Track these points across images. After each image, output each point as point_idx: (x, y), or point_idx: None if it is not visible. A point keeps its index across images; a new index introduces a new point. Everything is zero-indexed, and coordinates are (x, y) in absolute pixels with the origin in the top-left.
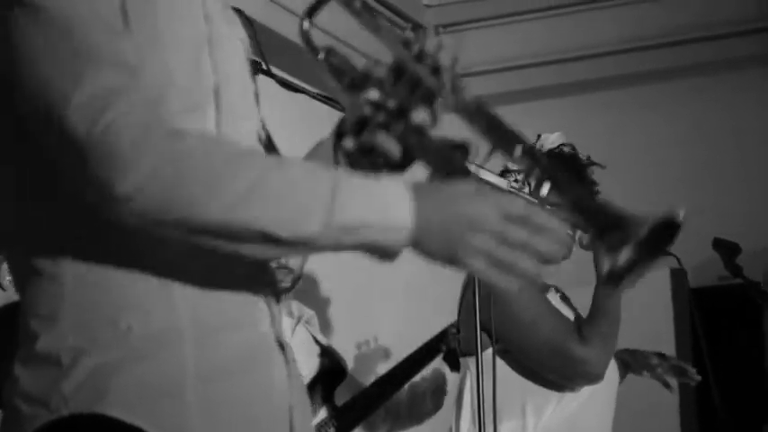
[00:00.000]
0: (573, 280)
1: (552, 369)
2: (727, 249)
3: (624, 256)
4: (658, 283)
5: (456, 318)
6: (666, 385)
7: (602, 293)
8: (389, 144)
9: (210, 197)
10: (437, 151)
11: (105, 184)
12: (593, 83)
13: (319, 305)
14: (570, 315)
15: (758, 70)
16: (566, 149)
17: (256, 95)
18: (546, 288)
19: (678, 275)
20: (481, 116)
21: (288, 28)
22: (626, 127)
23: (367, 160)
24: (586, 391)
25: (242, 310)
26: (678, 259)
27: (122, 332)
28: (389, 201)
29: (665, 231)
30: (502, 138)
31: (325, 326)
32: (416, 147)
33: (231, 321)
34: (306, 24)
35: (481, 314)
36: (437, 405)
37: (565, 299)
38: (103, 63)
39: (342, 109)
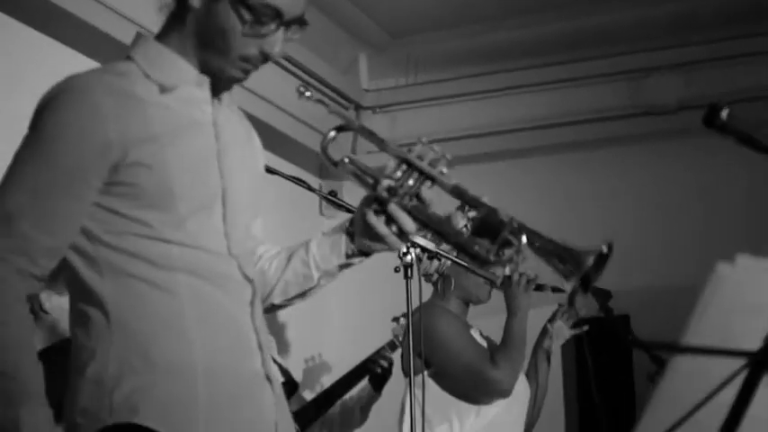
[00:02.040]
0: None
1: (472, 387)
2: (600, 295)
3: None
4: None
5: (387, 340)
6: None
7: (510, 324)
8: (401, 214)
9: None
10: (435, 220)
11: None
12: (499, 154)
13: (276, 330)
14: (485, 345)
15: (634, 146)
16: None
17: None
18: (469, 326)
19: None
20: (461, 196)
21: (262, 111)
22: (534, 189)
23: (379, 231)
24: (501, 402)
25: (240, 351)
26: (563, 290)
27: (151, 364)
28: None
29: (598, 263)
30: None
31: (282, 347)
32: (420, 217)
33: (233, 358)
34: (325, 141)
35: (417, 345)
36: (363, 418)
37: (482, 335)
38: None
39: (308, 188)
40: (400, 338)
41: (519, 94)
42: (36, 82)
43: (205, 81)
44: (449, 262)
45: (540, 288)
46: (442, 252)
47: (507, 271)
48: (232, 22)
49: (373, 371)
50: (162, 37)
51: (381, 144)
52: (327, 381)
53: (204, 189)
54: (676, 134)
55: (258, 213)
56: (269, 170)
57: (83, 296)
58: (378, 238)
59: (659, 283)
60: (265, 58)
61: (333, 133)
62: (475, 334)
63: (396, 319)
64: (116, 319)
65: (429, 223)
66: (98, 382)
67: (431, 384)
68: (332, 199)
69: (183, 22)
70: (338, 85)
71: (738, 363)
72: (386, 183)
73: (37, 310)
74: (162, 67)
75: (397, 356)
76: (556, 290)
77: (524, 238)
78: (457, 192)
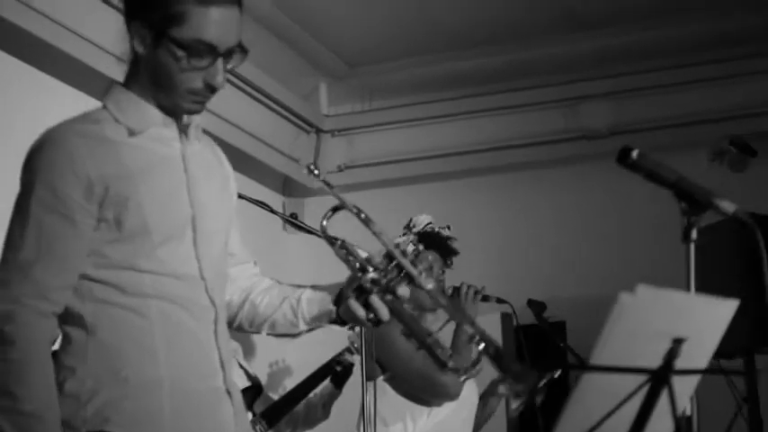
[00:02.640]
0: None
1: (422, 391)
2: (536, 306)
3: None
4: (492, 323)
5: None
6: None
7: (458, 333)
8: (380, 305)
9: None
10: (407, 317)
11: None
12: (454, 173)
13: (241, 336)
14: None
15: (572, 167)
16: (432, 228)
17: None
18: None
19: (506, 318)
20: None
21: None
22: (483, 205)
23: (362, 314)
24: (451, 404)
25: (203, 368)
26: (511, 305)
27: (122, 379)
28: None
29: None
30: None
31: (247, 352)
32: (395, 311)
33: (196, 375)
34: (324, 223)
35: (375, 351)
36: (326, 414)
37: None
38: (9, 260)
39: (271, 211)
40: (355, 344)
41: (466, 119)
42: (33, 116)
43: (171, 122)
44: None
45: (485, 299)
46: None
47: (457, 283)
48: (171, 61)
49: (334, 370)
50: (128, 83)
51: (369, 224)
52: (290, 383)
53: (174, 219)
54: (608, 157)
55: (230, 232)
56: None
57: (66, 319)
58: (356, 318)
59: (592, 293)
60: (211, 88)
61: (330, 213)
62: (429, 341)
63: (351, 327)
64: (93, 339)
65: (401, 318)
66: (75, 396)
67: (387, 387)
68: (293, 221)
69: (138, 68)
70: (300, 110)
71: (641, 379)
72: (370, 275)
73: None
74: (130, 112)
75: (356, 360)
76: (500, 301)
77: (482, 346)
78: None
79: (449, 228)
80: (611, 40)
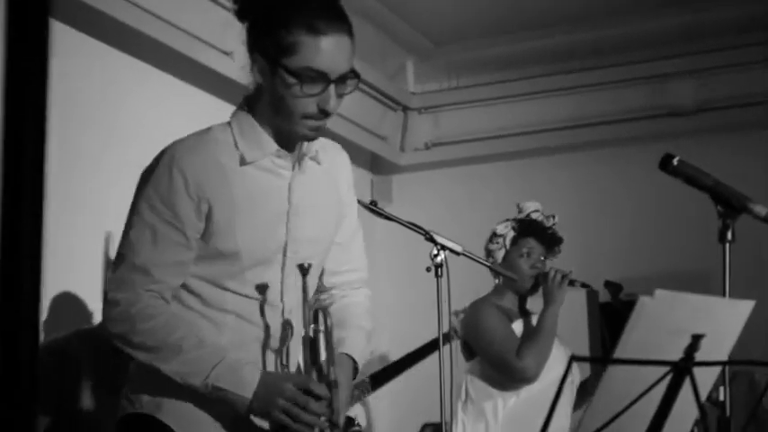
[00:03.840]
0: None
1: (500, 374)
2: (613, 287)
3: None
4: (578, 300)
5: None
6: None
7: (543, 315)
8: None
9: (143, 352)
10: None
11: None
12: (539, 151)
13: None
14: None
15: (657, 144)
16: (537, 216)
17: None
18: (519, 315)
19: (591, 295)
20: None
21: None
22: (567, 183)
23: None
24: (541, 381)
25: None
26: (594, 289)
27: (177, 385)
28: (243, 384)
29: None
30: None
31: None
32: None
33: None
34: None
35: (465, 335)
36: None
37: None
38: (129, 263)
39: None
40: (456, 329)
41: (549, 97)
42: (139, 108)
43: (285, 154)
44: None
45: (572, 283)
46: (466, 253)
47: (546, 267)
48: (285, 89)
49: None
50: (252, 109)
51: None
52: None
53: (267, 247)
54: (694, 134)
55: (327, 256)
56: None
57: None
58: None
59: (671, 270)
60: (325, 113)
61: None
62: (518, 326)
63: (456, 314)
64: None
65: None
66: (138, 379)
67: (479, 369)
68: (373, 208)
69: (259, 96)
70: (387, 89)
71: (663, 370)
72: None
73: None
74: (249, 138)
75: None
76: (585, 285)
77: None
78: None
79: (553, 217)
80: (698, 17)
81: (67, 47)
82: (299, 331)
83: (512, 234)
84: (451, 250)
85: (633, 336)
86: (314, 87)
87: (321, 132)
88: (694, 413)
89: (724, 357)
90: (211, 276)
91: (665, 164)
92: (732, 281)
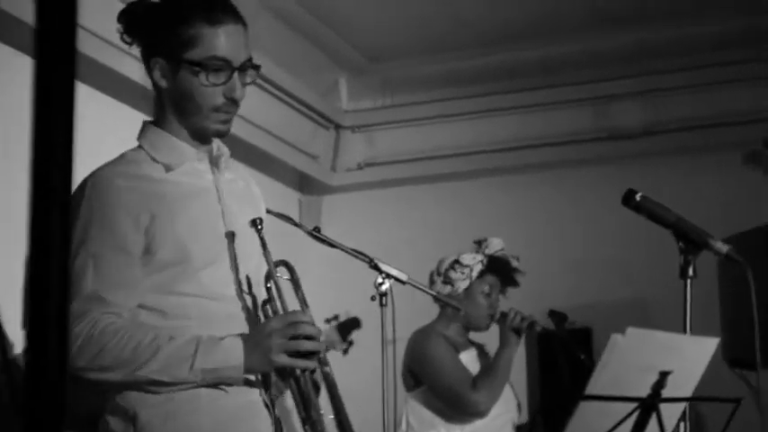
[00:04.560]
0: None
1: (451, 406)
2: (557, 317)
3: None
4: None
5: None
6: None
7: (498, 355)
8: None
9: (123, 367)
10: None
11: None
12: (478, 172)
13: None
14: (477, 368)
15: (601, 168)
16: (503, 254)
17: (262, 242)
18: (464, 346)
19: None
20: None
21: (246, 132)
22: (507, 206)
23: None
24: (479, 420)
25: (239, 385)
26: (553, 330)
27: (165, 398)
28: (230, 352)
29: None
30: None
31: None
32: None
33: (232, 390)
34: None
35: (409, 364)
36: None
37: (482, 353)
38: (80, 296)
39: (294, 224)
40: (335, 343)
41: (490, 117)
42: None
43: (204, 156)
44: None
45: (531, 327)
46: (412, 282)
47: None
48: (191, 81)
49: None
50: (158, 121)
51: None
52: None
53: (212, 245)
54: (637, 158)
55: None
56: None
57: None
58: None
59: (619, 297)
60: (233, 102)
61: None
62: (467, 356)
63: (328, 320)
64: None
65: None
66: (123, 412)
67: (424, 398)
68: (316, 235)
69: (164, 103)
70: (318, 106)
71: (632, 406)
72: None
73: None
74: (164, 150)
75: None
76: (545, 330)
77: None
78: None
79: (518, 259)
80: (642, 37)
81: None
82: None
83: (479, 267)
84: (397, 279)
85: (605, 373)
86: (219, 76)
87: (230, 126)
88: None
89: (689, 393)
90: (166, 285)
91: (627, 199)
92: (679, 314)
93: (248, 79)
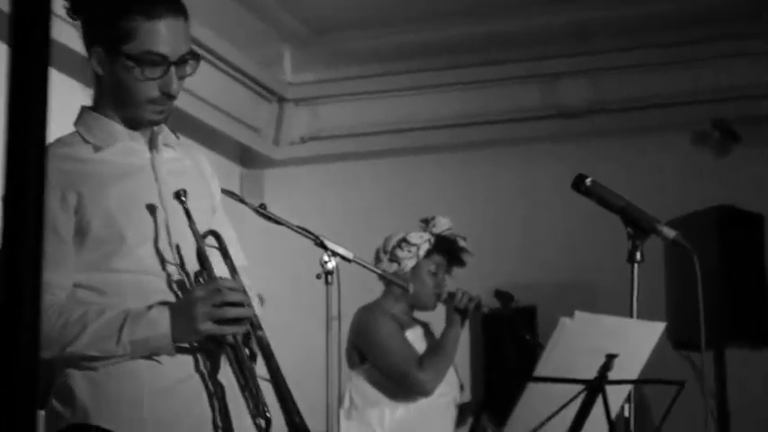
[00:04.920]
0: None
1: (396, 384)
2: (503, 297)
3: None
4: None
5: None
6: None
7: (444, 334)
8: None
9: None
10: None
11: None
12: (423, 149)
13: None
14: (423, 346)
15: (539, 147)
16: (451, 234)
17: (187, 213)
18: (410, 323)
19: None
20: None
21: (187, 104)
22: (451, 184)
23: None
24: (429, 399)
25: (180, 358)
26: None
27: (103, 372)
28: (156, 322)
29: None
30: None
31: None
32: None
33: (174, 365)
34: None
35: (355, 340)
36: None
37: (428, 332)
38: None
39: (240, 200)
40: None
41: (437, 92)
42: None
43: (138, 135)
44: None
45: (478, 308)
46: (358, 260)
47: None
48: (127, 75)
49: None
50: (96, 106)
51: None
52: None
53: (147, 223)
54: (584, 136)
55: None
56: None
57: None
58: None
59: (565, 277)
60: (168, 96)
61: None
62: (413, 334)
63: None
64: None
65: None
66: (65, 388)
67: (368, 375)
68: (263, 212)
69: (101, 89)
70: (261, 78)
71: (579, 388)
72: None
73: None
74: (96, 131)
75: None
76: (491, 311)
77: None
78: None
79: (465, 239)
80: (589, 15)
81: None
82: None
83: (426, 246)
84: (342, 257)
85: (553, 355)
86: (155, 71)
87: (167, 115)
88: (605, 430)
89: (635, 376)
90: (100, 263)
91: (577, 184)
92: (625, 297)
93: (187, 71)
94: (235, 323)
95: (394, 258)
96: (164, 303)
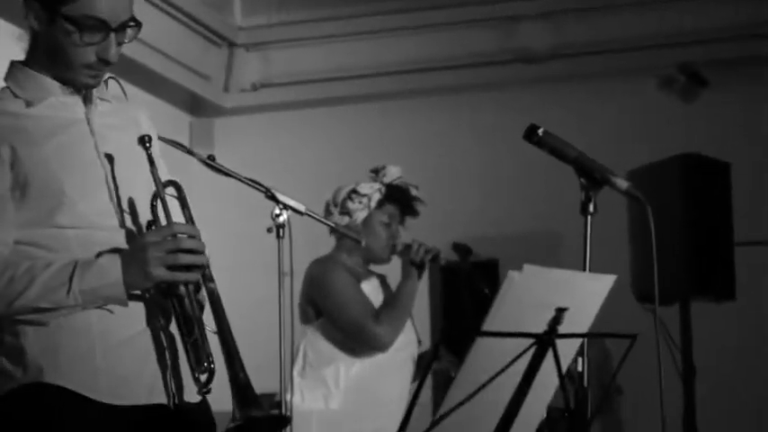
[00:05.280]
0: None
1: (354, 339)
2: (461, 250)
3: None
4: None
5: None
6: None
7: (401, 286)
8: None
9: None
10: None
11: None
12: (377, 96)
13: None
14: (380, 298)
15: (498, 94)
16: (402, 183)
17: (150, 159)
18: (365, 276)
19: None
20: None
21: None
22: (406, 131)
23: None
24: (386, 355)
25: (132, 313)
26: (457, 263)
27: (54, 327)
28: (107, 269)
29: None
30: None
31: None
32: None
33: (124, 321)
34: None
35: (308, 294)
36: None
37: (384, 284)
38: None
39: (188, 152)
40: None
41: (392, 36)
42: None
43: (72, 92)
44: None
45: (435, 259)
46: (310, 213)
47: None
48: (65, 38)
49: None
50: (28, 61)
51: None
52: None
53: (86, 176)
54: (545, 82)
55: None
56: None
57: None
58: None
59: (525, 228)
60: (105, 62)
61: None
62: (369, 286)
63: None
64: None
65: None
66: (11, 348)
67: (323, 330)
68: (211, 164)
69: (36, 44)
70: (210, 22)
71: (528, 342)
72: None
73: None
74: (27, 86)
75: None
76: (449, 263)
77: None
78: None
79: (417, 188)
80: None
81: None
82: None
83: (377, 197)
84: (294, 210)
85: (502, 309)
86: (94, 36)
87: (101, 78)
88: (555, 383)
89: (585, 330)
90: (43, 219)
91: (529, 135)
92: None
93: (126, 39)
94: (188, 271)
95: (345, 211)
96: (114, 251)
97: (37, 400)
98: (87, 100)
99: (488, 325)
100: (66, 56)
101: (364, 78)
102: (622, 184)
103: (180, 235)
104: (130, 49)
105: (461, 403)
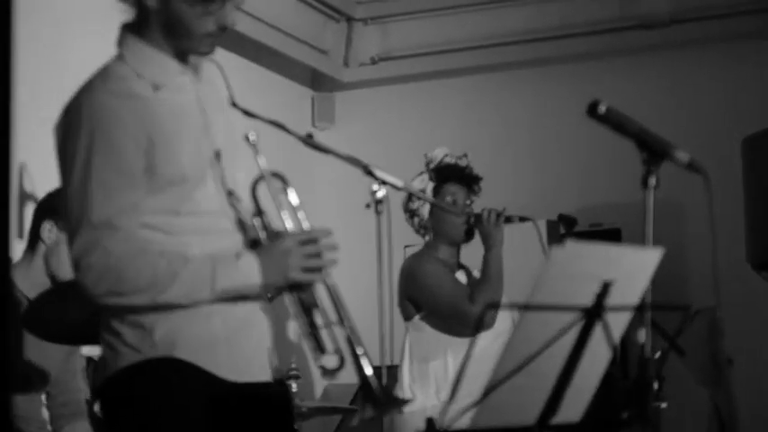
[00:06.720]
0: None
1: (455, 323)
2: (567, 221)
3: None
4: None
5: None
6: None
7: (486, 259)
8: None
9: (138, 294)
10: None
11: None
12: (496, 66)
13: None
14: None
15: (619, 61)
16: (448, 161)
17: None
18: (459, 267)
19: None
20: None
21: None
22: (525, 101)
23: None
24: (488, 335)
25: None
26: (531, 219)
27: (182, 309)
28: (246, 272)
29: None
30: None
31: None
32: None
33: (246, 304)
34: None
35: (406, 290)
36: None
37: (470, 277)
38: (87, 224)
39: (286, 131)
40: None
41: (513, 6)
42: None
43: (186, 70)
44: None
45: (508, 220)
46: (408, 188)
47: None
48: (184, 10)
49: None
50: (141, 33)
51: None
52: None
53: (203, 161)
54: (667, 48)
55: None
56: (248, 113)
57: None
58: None
59: (631, 200)
60: (224, 29)
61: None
62: (462, 276)
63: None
64: None
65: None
66: (140, 324)
67: (423, 325)
68: (309, 142)
69: (149, 21)
70: None
71: (575, 315)
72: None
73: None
74: (149, 66)
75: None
76: (523, 219)
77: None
78: None
79: (466, 156)
80: None
81: None
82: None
83: (431, 185)
84: (392, 185)
85: (547, 283)
86: (213, 5)
87: (216, 45)
88: (607, 355)
89: (634, 302)
90: (169, 205)
91: (592, 110)
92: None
93: (241, 3)
94: (319, 271)
95: (413, 213)
96: (251, 252)
97: (171, 374)
98: (198, 78)
99: (533, 299)
100: (187, 28)
101: (482, 49)
102: (684, 157)
103: (317, 240)
104: (251, 29)
105: (513, 373)
